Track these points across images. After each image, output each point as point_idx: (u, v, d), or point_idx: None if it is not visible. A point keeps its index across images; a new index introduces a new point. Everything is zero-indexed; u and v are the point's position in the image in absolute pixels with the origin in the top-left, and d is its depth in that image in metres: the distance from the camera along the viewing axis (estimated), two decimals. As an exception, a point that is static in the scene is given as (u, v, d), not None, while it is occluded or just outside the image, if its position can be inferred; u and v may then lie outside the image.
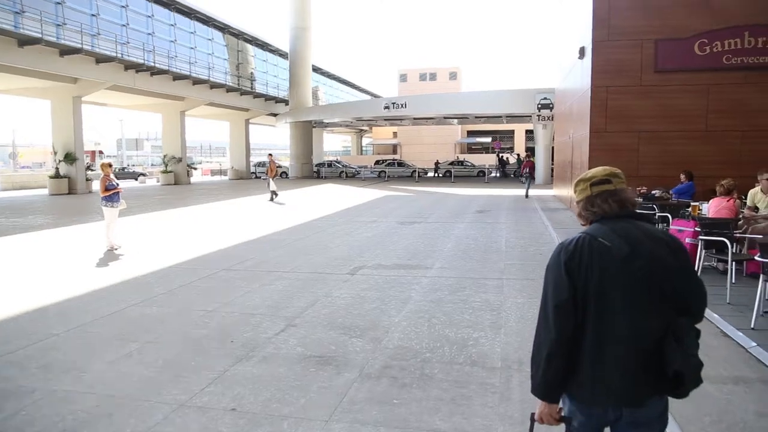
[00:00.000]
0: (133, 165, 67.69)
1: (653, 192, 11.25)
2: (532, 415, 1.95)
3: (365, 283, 7.18)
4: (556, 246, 1.98)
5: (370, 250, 9.77)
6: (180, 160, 35.28)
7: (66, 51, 23.53)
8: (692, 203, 7.83)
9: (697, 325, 1.90)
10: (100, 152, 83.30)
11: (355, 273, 7.82)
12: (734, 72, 11.75)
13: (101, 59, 25.50)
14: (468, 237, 11.06)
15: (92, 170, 33.58)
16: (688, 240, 6.73)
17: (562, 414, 1.93)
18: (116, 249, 10.26)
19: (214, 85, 34.98)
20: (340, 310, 5.92)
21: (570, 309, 1.82)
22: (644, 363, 1.82)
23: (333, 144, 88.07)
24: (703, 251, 6.36)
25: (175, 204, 20.05)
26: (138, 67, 27.79)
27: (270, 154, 24.34)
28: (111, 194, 10.25)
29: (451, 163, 42.78)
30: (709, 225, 6.17)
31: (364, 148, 76.09)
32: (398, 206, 18.11)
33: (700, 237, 6.19)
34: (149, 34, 30.28)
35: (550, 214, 15.01)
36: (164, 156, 35.66)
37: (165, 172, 35.10)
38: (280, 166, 38.51)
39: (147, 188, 31.87)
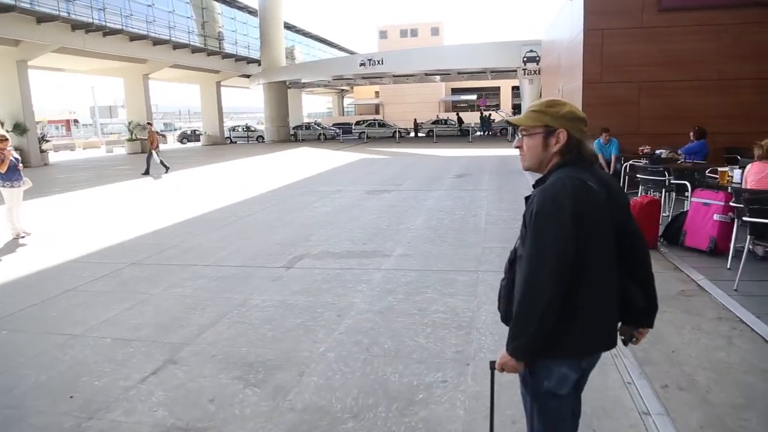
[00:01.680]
0: (109, 133, 65.02)
1: (658, 152, 9.69)
2: (492, 363, 1.86)
3: (299, 281, 5.57)
4: (549, 192, 1.72)
5: (322, 229, 8.13)
6: (146, 126, 33.01)
7: None
8: (719, 169, 6.20)
9: None
10: (75, 121, 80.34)
11: (293, 265, 6.20)
12: (752, 9, 9.98)
13: (42, 18, 23.00)
14: (442, 210, 9.44)
15: (47, 140, 31.21)
16: (716, 217, 5.18)
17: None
18: (23, 236, 8.57)
19: (177, 46, 32.41)
20: (250, 330, 4.31)
21: (572, 260, 1.66)
22: (618, 304, 1.84)
23: (317, 105, 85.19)
24: (747, 236, 4.75)
25: (130, 176, 18.15)
26: (87, 27, 25.23)
27: (149, 123, 21.36)
28: (8, 173, 8.49)
29: (434, 122, 40.74)
30: (751, 200, 4.55)
31: (345, 109, 73.54)
32: (371, 171, 16.39)
33: (744, 218, 4.59)
34: (99, -10, 27.63)
35: (536, 176, 13.38)
36: (129, 123, 33.38)
37: (130, 140, 32.86)
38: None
39: (110, 158, 29.73)
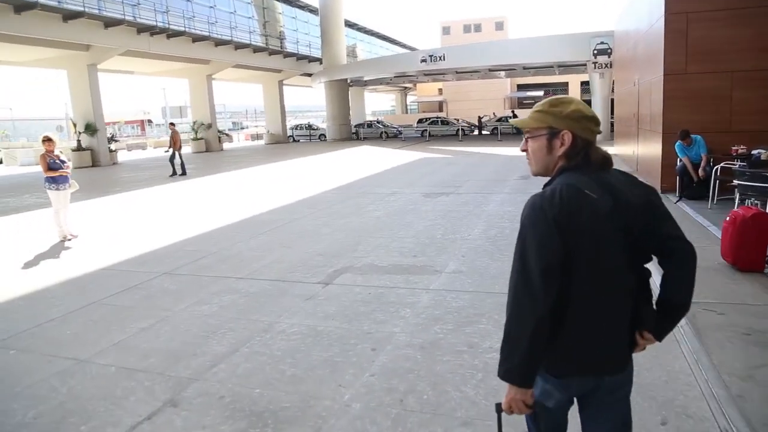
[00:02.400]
0: (181, 132, 67.17)
1: (756, 152, 8.48)
2: (498, 405, 1.65)
3: (335, 302, 4.93)
4: (536, 201, 1.59)
5: (371, 237, 7.47)
6: (210, 126, 33.61)
7: (69, 15, 21.77)
8: None
9: None
10: (149, 121, 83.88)
11: (332, 281, 5.58)
12: None
13: (109, 23, 23.64)
14: (503, 216, 8.58)
15: (115, 141, 32.36)
16: None
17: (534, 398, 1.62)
18: (69, 239, 8.43)
19: (238, 46, 32.75)
20: (269, 364, 3.70)
21: (559, 271, 1.54)
22: (632, 315, 1.64)
23: (381, 104, 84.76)
24: None
25: (190, 174, 18.20)
26: (151, 30, 25.78)
27: (171, 124, 19.62)
28: (56, 176, 8.36)
29: (499, 119, 39.32)
30: None
31: (409, 107, 72.83)
32: (431, 171, 15.59)
33: None
34: (162, -7, 28.19)
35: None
36: (193, 123, 34.08)
37: (195, 139, 33.51)
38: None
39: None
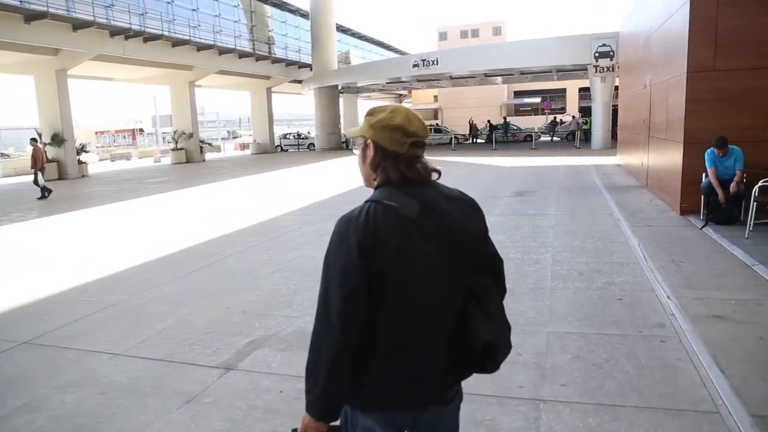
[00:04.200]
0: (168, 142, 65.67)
1: None
2: (294, 430, 1.52)
3: (226, 411, 3.20)
4: (342, 222, 1.48)
5: (317, 282, 5.80)
6: (191, 135, 31.93)
7: (31, 16, 20.16)
8: None
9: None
10: (141, 130, 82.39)
11: (238, 363, 3.87)
12: None
13: (78, 24, 21.98)
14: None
15: (86, 151, 30.51)
16: None
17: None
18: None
19: (222, 51, 31.10)
20: None
21: (362, 300, 1.43)
22: (448, 343, 1.51)
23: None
24: None
25: (153, 190, 16.45)
26: (125, 33, 24.11)
27: (33, 140, 16.92)
28: None
29: (493, 128, 37.63)
30: None
31: (404, 115, 71.18)
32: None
33: None
34: (138, -6, 26.58)
35: (618, 196, 10.57)
36: (174, 132, 32.43)
37: (175, 149, 31.84)
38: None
39: (152, 169, 28.61)
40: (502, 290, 1.63)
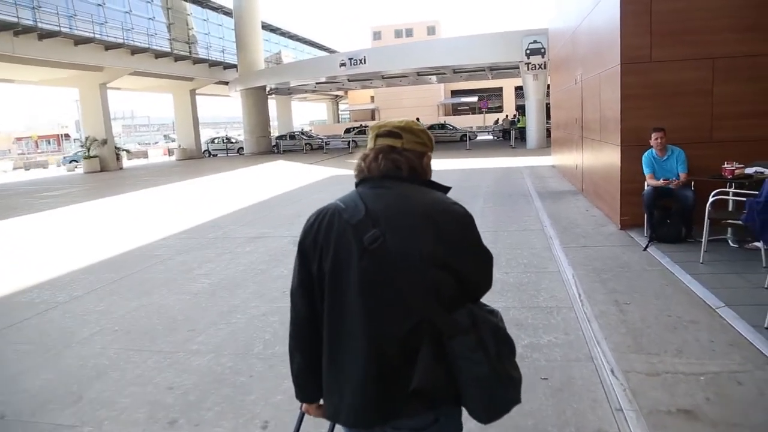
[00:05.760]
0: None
1: (752, 170, 5.94)
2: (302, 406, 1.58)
3: None
4: None
5: (148, 351, 4.22)
6: (105, 142, 29.28)
7: None
8: None
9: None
10: (66, 135, 77.17)
11: None
12: None
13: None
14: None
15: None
16: None
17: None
18: None
19: (135, 50, 28.71)
20: None
21: (299, 298, 1.46)
22: (384, 374, 1.35)
23: (318, 113, 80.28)
24: None
25: (39, 206, 14.25)
26: (13, 28, 21.49)
27: None
28: None
29: (430, 127, 36.65)
30: None
31: (341, 116, 69.69)
32: (331, 195, 12.46)
33: None
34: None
35: (552, 206, 9.45)
36: (85, 139, 29.70)
37: (87, 157, 29.12)
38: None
39: (56, 179, 25.88)
40: (486, 329, 1.39)
